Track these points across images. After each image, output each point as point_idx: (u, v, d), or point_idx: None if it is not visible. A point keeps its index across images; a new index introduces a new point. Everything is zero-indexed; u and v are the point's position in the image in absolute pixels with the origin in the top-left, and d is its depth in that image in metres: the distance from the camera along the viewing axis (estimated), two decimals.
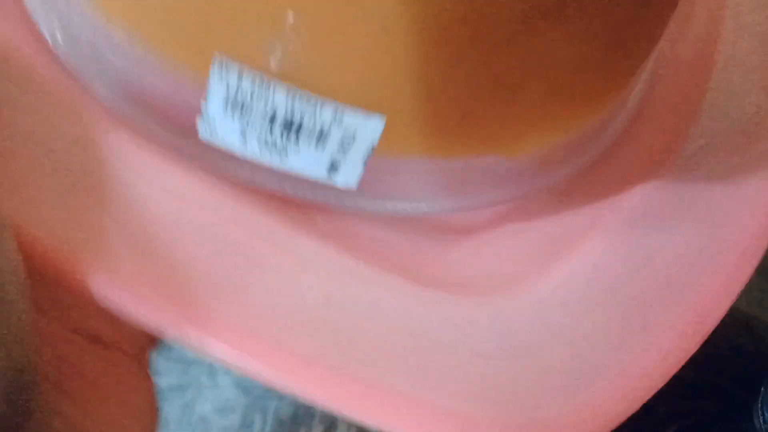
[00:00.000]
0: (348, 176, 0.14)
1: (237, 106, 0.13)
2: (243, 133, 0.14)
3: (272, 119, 0.14)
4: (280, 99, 0.13)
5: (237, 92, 0.13)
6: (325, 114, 0.13)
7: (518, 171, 0.16)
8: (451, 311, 0.15)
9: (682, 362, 0.17)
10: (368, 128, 0.14)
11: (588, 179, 0.18)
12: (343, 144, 0.14)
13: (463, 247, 0.17)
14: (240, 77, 0.13)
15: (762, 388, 0.20)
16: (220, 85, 0.13)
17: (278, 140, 0.14)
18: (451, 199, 0.17)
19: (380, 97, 0.14)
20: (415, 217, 0.17)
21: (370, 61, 0.13)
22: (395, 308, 0.15)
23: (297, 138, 0.14)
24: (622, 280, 0.16)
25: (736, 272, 0.17)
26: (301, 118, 0.13)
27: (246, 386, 0.29)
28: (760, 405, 0.20)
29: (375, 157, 0.14)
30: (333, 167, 0.14)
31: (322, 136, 0.14)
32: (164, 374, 0.29)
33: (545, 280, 0.16)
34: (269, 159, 0.14)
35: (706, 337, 0.17)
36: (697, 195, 0.17)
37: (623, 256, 0.16)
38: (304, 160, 0.14)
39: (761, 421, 0.19)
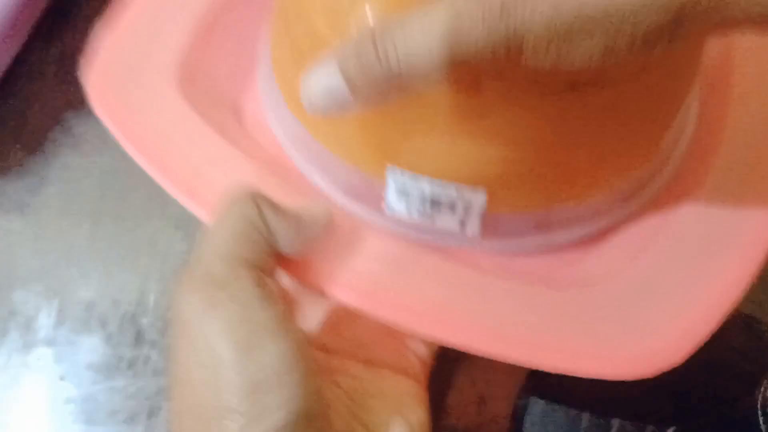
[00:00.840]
0: (473, 229, 0.23)
1: (403, 193, 0.22)
2: (408, 209, 0.23)
3: (423, 199, 0.22)
4: (426, 187, 0.22)
5: (402, 186, 0.22)
6: (451, 193, 0.22)
7: (588, 213, 0.24)
8: (561, 299, 0.23)
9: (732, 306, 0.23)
10: (478, 199, 0.22)
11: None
12: (465, 209, 0.22)
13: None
14: (403, 177, 0.22)
15: (762, 388, 0.22)
16: (393, 183, 0.21)
17: (428, 211, 0.23)
18: (543, 237, 0.25)
19: (486, 177, 0.22)
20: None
21: (480, 157, 0.21)
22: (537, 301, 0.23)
23: (439, 209, 0.22)
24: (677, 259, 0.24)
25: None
26: (439, 197, 0.22)
27: None
28: (760, 405, 0.22)
29: (488, 215, 0.23)
30: (462, 224, 0.23)
31: (452, 207, 0.22)
32: None
33: (624, 274, 0.24)
34: (425, 222, 0.23)
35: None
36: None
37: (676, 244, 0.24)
38: (445, 222, 0.23)
39: (761, 420, 0.21)
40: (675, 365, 0.22)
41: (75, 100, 0.37)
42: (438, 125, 0.21)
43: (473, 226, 0.23)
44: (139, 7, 0.27)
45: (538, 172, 0.22)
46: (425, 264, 0.23)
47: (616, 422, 0.27)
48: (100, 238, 0.34)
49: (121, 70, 0.26)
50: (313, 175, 0.26)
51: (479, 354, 0.22)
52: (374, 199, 0.24)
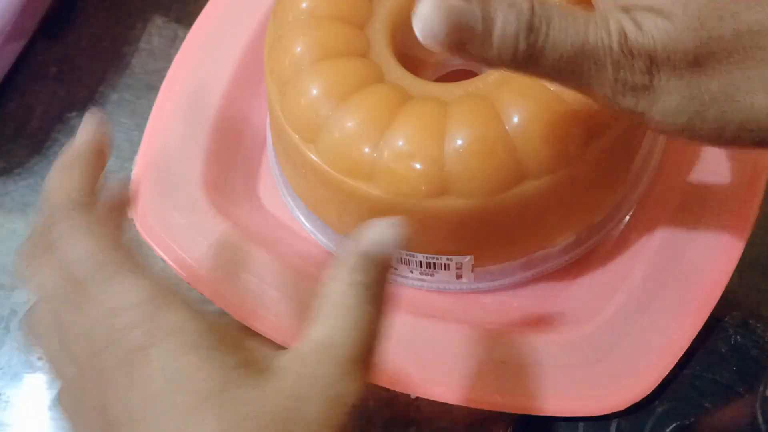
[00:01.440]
0: (468, 278, 0.28)
1: (402, 261, 0.28)
2: (410, 269, 0.28)
3: (420, 264, 0.27)
4: (421, 258, 0.27)
5: (400, 256, 0.27)
6: (443, 260, 0.27)
7: (558, 252, 0.28)
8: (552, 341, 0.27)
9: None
10: (467, 260, 0.27)
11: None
12: (458, 268, 0.27)
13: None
14: (401, 253, 0.27)
15: (762, 388, 0.20)
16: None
17: (426, 270, 0.28)
18: (525, 273, 0.28)
19: (471, 249, 0.27)
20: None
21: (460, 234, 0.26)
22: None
23: (435, 269, 0.28)
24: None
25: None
26: (434, 261, 0.27)
27: None
28: (759, 404, 0.20)
29: (477, 267, 0.28)
30: (458, 276, 0.28)
31: (446, 267, 0.27)
32: None
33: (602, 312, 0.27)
34: (428, 278, 0.28)
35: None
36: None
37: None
38: (442, 276, 0.28)
39: (761, 420, 0.20)
40: (645, 394, 0.26)
41: (77, 100, 0.37)
42: (423, 222, 0.25)
43: (468, 277, 0.28)
44: (165, 138, 0.31)
45: (514, 238, 0.27)
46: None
47: (614, 422, 0.26)
48: None
49: (158, 198, 0.30)
50: (319, 237, 0.30)
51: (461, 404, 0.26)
52: None
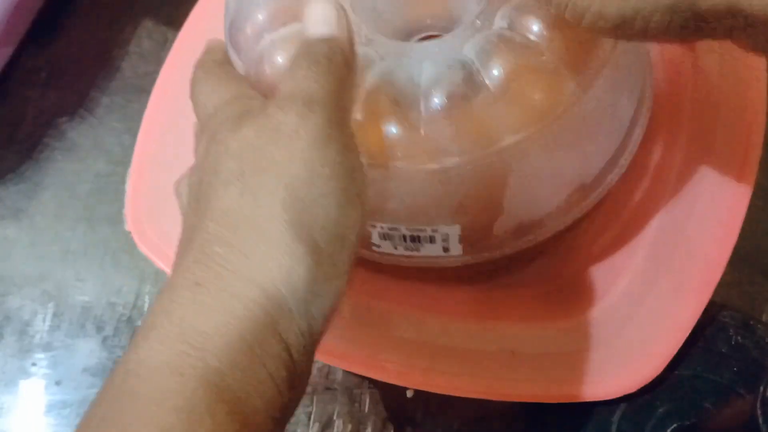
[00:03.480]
0: (456, 251, 0.26)
1: (386, 237, 0.26)
2: (394, 246, 0.26)
3: (404, 238, 0.25)
4: (404, 230, 0.25)
5: (383, 231, 0.25)
6: (428, 232, 0.25)
7: (549, 217, 0.27)
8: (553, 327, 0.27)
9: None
10: (454, 230, 0.25)
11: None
12: (444, 240, 0.25)
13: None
14: (383, 227, 0.25)
15: (762, 388, 0.21)
16: (375, 231, 0.25)
17: (411, 245, 0.26)
18: (516, 242, 0.27)
19: (457, 213, 0.25)
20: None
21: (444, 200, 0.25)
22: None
23: (420, 242, 0.26)
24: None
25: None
26: (418, 235, 0.25)
27: None
28: (759, 404, 0.20)
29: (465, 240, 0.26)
30: (445, 249, 0.26)
31: (433, 239, 0.25)
32: None
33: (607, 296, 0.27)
34: (414, 253, 0.26)
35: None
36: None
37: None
38: (428, 250, 0.26)
39: (761, 420, 0.20)
40: (656, 374, 0.25)
41: (68, 105, 0.37)
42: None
43: (456, 250, 0.26)
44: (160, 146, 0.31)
45: (500, 202, 0.25)
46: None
47: (615, 421, 0.26)
48: (95, 242, 0.34)
49: (155, 209, 0.29)
50: None
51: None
52: (362, 240, 0.27)
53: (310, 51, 0.19)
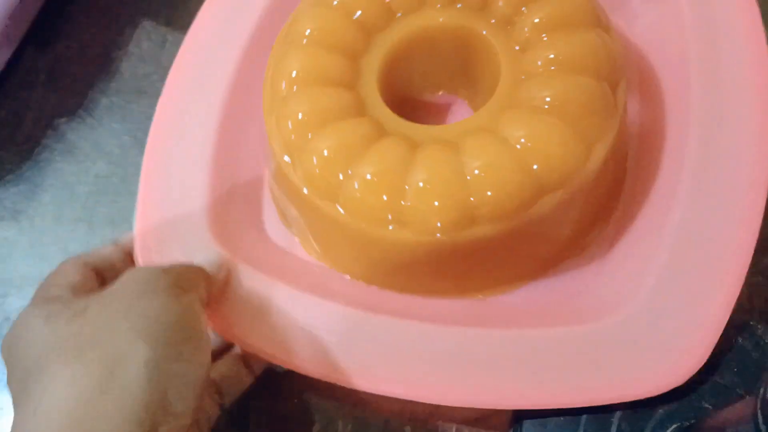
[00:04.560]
0: None
1: None
2: None
3: None
4: None
5: None
6: None
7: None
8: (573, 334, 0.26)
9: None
10: None
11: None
12: None
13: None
14: None
15: (762, 389, 0.20)
16: None
17: None
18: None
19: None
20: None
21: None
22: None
23: None
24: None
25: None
26: None
27: None
28: (759, 404, 0.20)
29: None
30: None
31: None
32: None
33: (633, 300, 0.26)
34: None
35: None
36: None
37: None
38: None
39: (761, 420, 0.20)
40: (699, 367, 0.25)
41: (67, 106, 0.37)
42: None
43: None
44: (167, 177, 0.31)
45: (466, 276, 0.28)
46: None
47: (615, 421, 0.26)
48: (94, 243, 0.34)
49: (164, 237, 0.29)
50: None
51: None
52: None
53: (186, 263, 0.25)
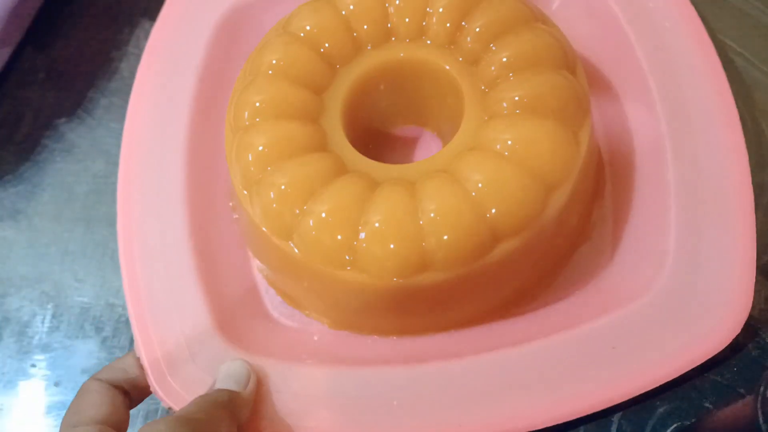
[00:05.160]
0: None
1: None
2: None
3: None
4: None
5: None
6: None
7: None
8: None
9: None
10: None
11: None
12: None
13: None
14: None
15: (762, 388, 0.21)
16: None
17: None
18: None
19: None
20: None
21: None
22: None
23: None
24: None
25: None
26: None
27: None
28: (759, 404, 0.21)
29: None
30: None
31: None
32: None
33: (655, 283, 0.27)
34: None
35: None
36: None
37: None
38: None
39: (761, 420, 0.20)
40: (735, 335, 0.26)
41: (66, 107, 0.37)
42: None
43: None
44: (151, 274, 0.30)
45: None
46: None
47: (615, 421, 0.26)
48: (93, 242, 0.34)
49: (174, 358, 0.28)
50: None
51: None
52: None
53: (209, 393, 0.25)
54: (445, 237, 0.24)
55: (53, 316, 0.32)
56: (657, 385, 0.25)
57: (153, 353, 0.27)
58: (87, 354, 0.32)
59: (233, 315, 0.29)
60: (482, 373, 0.25)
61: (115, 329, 0.32)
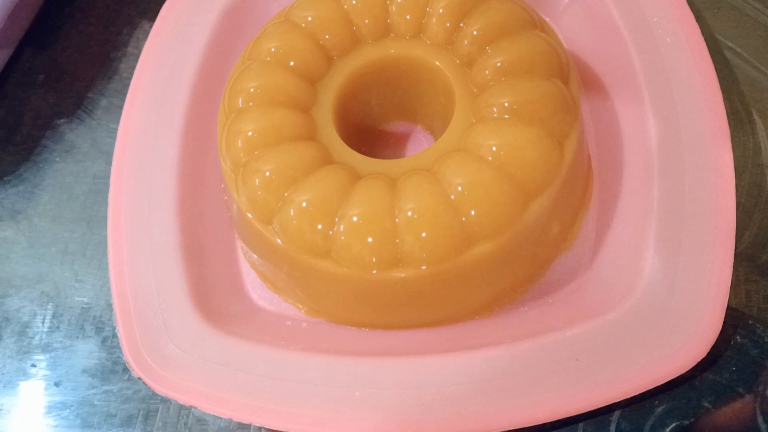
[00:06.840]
0: None
1: None
2: None
3: None
4: None
5: None
6: None
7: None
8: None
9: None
10: None
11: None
12: None
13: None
14: None
15: (762, 388, 0.22)
16: None
17: None
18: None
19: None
20: None
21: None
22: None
23: None
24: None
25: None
26: None
27: None
28: (759, 404, 0.21)
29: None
30: None
31: None
32: None
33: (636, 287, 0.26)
34: None
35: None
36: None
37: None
38: None
39: (761, 420, 0.21)
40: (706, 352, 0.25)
41: (66, 107, 0.37)
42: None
43: None
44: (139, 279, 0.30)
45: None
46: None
47: (614, 420, 0.26)
48: (93, 243, 0.34)
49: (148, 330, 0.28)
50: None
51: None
52: None
53: None
54: (423, 235, 0.24)
55: (53, 317, 0.32)
56: (616, 400, 0.25)
57: (129, 325, 0.28)
58: (87, 354, 0.32)
59: (212, 293, 0.29)
60: (446, 372, 0.25)
61: (116, 329, 0.32)
